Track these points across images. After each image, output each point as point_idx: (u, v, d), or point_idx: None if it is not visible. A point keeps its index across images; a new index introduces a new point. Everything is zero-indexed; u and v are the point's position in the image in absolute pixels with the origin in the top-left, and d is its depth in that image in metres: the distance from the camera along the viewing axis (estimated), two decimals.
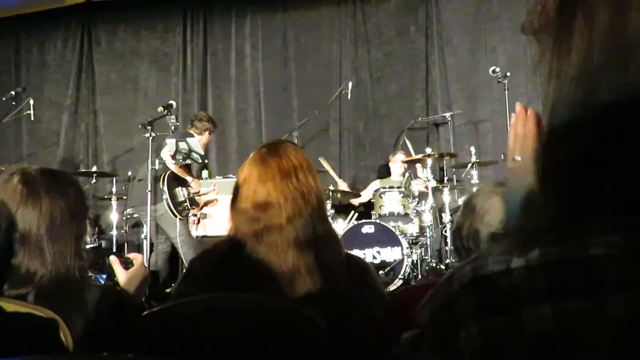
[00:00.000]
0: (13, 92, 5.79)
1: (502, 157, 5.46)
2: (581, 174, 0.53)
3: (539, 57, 0.57)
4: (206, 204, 5.74)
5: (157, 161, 5.04)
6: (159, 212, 5.20)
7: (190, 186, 5.47)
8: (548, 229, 0.53)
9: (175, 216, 5.19)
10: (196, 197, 5.53)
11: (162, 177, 5.19)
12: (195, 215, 5.67)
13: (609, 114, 0.52)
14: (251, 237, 1.54)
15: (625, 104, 0.51)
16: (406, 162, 6.01)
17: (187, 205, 5.34)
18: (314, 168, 1.64)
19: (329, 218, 5.48)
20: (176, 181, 5.32)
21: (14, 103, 5.80)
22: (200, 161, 5.07)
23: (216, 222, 5.72)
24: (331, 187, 5.82)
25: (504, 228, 0.96)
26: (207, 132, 5.64)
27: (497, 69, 5.52)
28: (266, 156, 1.63)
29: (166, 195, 5.16)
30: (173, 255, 5.65)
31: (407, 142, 6.20)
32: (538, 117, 0.94)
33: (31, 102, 5.85)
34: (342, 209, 6.56)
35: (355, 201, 6.30)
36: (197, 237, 5.67)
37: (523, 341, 0.50)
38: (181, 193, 5.35)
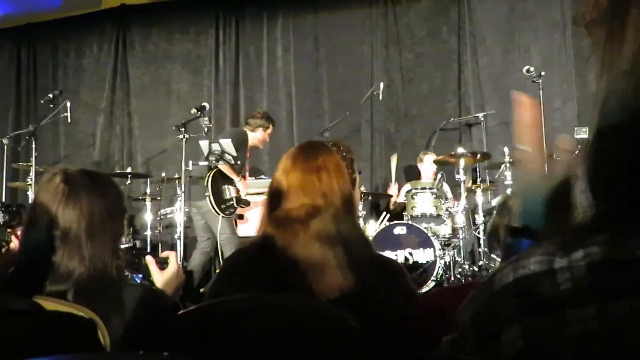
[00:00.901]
0: (51, 95, 5.93)
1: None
2: (628, 174, 0.52)
3: (591, 50, 0.56)
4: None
5: (190, 162, 5.11)
6: (204, 209, 5.29)
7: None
8: (593, 230, 0.52)
9: (218, 214, 5.22)
10: (248, 197, 5.50)
11: (208, 174, 5.26)
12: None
13: None
14: (274, 225, 1.59)
15: None
16: (437, 162, 5.96)
17: (232, 204, 5.35)
18: (343, 171, 1.65)
19: (360, 219, 5.54)
20: (224, 178, 5.33)
21: (51, 106, 5.94)
22: (232, 162, 5.11)
23: (250, 223, 5.74)
24: (362, 189, 5.81)
25: (523, 219, 0.94)
26: (260, 129, 5.64)
27: (532, 69, 5.43)
28: (298, 153, 1.68)
29: (208, 192, 5.21)
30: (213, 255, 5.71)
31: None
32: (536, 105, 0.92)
33: (68, 104, 5.97)
34: (375, 210, 6.54)
35: (393, 205, 6.24)
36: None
37: (566, 342, 0.49)
38: (228, 191, 5.35)
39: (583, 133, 4.43)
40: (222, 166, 5.19)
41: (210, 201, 5.20)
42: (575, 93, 6.47)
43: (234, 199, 5.35)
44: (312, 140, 1.85)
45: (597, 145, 0.55)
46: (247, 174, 5.86)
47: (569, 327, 0.49)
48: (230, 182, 5.38)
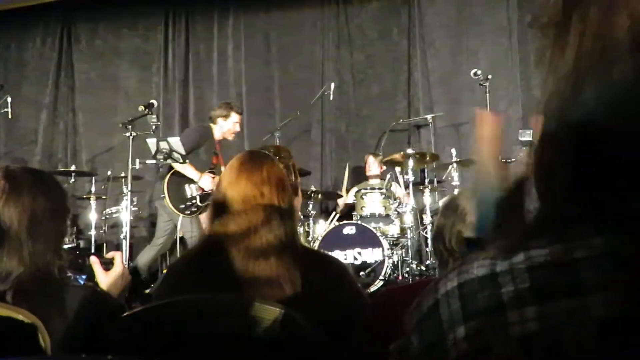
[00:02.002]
0: None
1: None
2: (566, 176, 0.53)
3: (541, 53, 0.57)
4: None
5: (137, 160, 5.01)
6: (169, 209, 5.17)
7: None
8: (535, 233, 0.54)
9: (177, 214, 5.12)
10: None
11: (167, 174, 5.13)
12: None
13: (591, 116, 0.52)
14: (218, 236, 1.59)
15: (607, 106, 0.51)
16: (385, 163, 6.03)
17: (195, 202, 5.20)
18: (286, 183, 1.65)
19: (310, 219, 5.55)
20: (184, 178, 5.17)
21: None
22: (181, 161, 5.01)
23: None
24: (313, 188, 5.82)
25: (477, 230, 0.96)
26: (220, 119, 5.43)
27: (479, 72, 5.57)
28: (241, 165, 1.67)
29: (164, 194, 5.10)
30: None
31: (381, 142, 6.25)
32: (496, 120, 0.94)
33: (9, 99, 5.78)
34: (324, 210, 6.57)
35: (342, 201, 6.30)
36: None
37: (509, 343, 0.50)
38: (189, 190, 5.20)
39: (527, 135, 4.55)
40: (178, 167, 5.06)
41: (167, 202, 5.10)
42: (520, 96, 6.65)
43: (198, 197, 5.20)
44: (253, 150, 1.86)
45: (540, 147, 0.56)
46: (222, 168, 5.66)
47: (510, 328, 0.50)
48: (191, 180, 5.25)
